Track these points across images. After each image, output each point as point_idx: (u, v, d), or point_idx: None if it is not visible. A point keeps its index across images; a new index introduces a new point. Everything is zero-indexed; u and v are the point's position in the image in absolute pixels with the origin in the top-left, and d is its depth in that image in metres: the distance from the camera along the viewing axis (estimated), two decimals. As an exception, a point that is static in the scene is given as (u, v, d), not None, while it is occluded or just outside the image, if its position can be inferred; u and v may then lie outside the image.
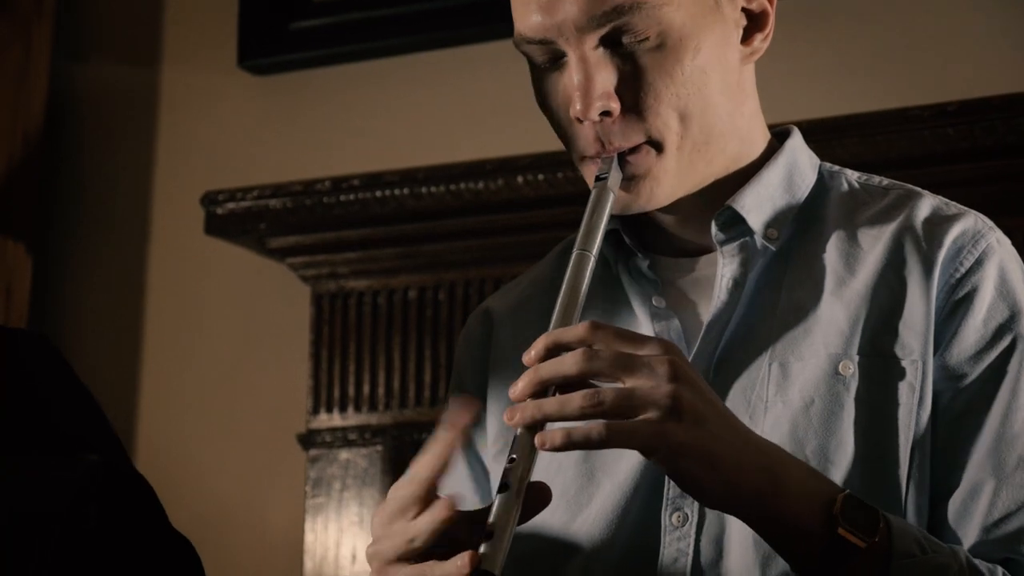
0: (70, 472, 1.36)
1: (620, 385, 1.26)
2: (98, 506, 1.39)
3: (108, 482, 1.39)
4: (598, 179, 1.45)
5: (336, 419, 3.18)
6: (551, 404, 1.26)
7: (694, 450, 1.26)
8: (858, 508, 1.31)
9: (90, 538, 1.39)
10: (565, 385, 1.27)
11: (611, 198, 1.43)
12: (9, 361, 1.57)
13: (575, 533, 1.47)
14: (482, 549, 1.25)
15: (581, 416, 1.25)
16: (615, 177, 1.44)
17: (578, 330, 1.29)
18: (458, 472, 1.54)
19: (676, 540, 1.42)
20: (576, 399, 1.25)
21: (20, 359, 1.59)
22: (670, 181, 1.47)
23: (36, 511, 1.36)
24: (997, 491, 1.40)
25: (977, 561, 1.35)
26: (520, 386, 1.28)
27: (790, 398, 1.42)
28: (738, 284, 1.48)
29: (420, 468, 1.30)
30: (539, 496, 1.29)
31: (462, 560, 1.25)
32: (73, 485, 1.35)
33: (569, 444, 1.25)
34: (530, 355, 1.29)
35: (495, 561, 1.24)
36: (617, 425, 1.25)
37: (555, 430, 1.26)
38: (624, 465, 1.46)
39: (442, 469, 1.30)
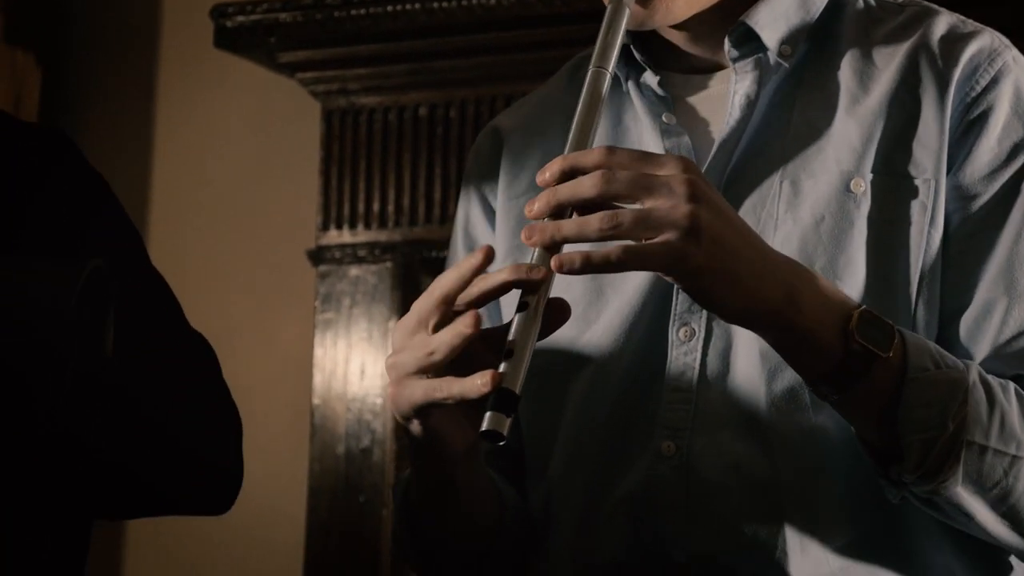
0: (70, 281, 1.35)
1: (638, 206, 1.26)
2: (107, 306, 1.38)
3: (118, 282, 1.39)
4: None
5: (346, 235, 3.19)
6: (570, 225, 1.26)
7: (712, 270, 1.26)
8: (873, 323, 1.31)
9: (104, 332, 1.39)
10: (583, 207, 1.27)
11: (626, 13, 1.41)
12: (26, 156, 1.56)
13: (583, 348, 1.48)
14: (502, 367, 1.25)
15: (600, 237, 1.25)
16: None
17: (594, 154, 1.28)
18: None
19: (683, 355, 1.43)
20: (595, 220, 1.25)
21: (39, 153, 1.57)
22: None
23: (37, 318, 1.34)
24: (1009, 309, 1.40)
25: (990, 377, 1.36)
26: (537, 206, 1.27)
27: (800, 215, 1.42)
28: (751, 101, 1.47)
29: (442, 282, 1.30)
30: (558, 313, 1.30)
31: (483, 379, 1.25)
32: (73, 293, 1.33)
33: (588, 267, 1.25)
34: (545, 176, 1.28)
35: (516, 379, 1.24)
36: (636, 247, 1.25)
37: (574, 252, 1.25)
38: (632, 281, 1.46)
39: (463, 286, 1.29)
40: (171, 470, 1.52)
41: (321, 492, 3.18)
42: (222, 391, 1.58)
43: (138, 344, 1.46)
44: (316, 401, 3.20)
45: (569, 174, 1.28)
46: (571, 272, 1.25)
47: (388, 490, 3.14)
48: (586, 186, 1.26)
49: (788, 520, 1.39)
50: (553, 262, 1.26)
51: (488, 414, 1.24)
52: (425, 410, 1.33)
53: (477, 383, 1.25)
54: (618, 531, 1.43)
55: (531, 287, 1.26)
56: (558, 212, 1.27)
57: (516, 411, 1.24)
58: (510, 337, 1.26)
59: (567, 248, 1.28)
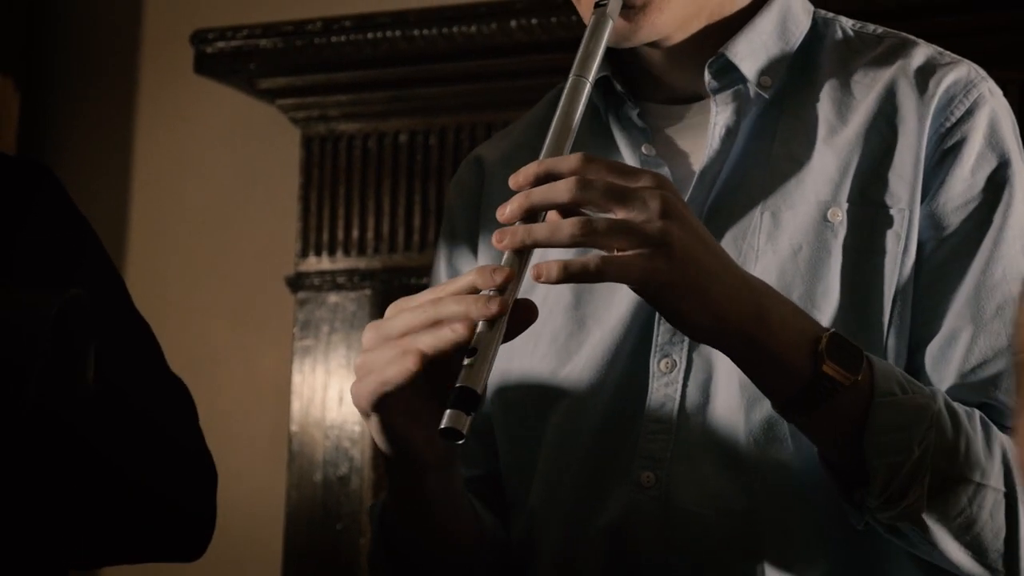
0: (44, 309, 1.33)
1: (611, 216, 1.26)
2: (85, 338, 1.37)
3: (99, 320, 1.38)
4: (597, 5, 1.42)
5: (325, 262, 3.19)
6: (542, 229, 1.25)
7: (684, 286, 1.26)
8: (843, 347, 1.32)
9: (77, 374, 1.38)
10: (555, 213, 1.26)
11: (610, 25, 1.41)
12: (6, 191, 1.55)
13: (564, 379, 1.47)
14: (465, 366, 1.23)
15: (571, 243, 1.24)
16: (615, 3, 1.42)
17: (570, 161, 1.27)
18: None
19: (664, 386, 1.43)
20: (567, 226, 1.24)
21: (18, 186, 1.56)
22: (672, 9, 1.45)
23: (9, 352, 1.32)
24: (975, 338, 1.41)
25: (956, 404, 1.37)
26: (509, 209, 1.26)
27: (779, 246, 1.43)
28: (731, 132, 1.47)
29: (428, 296, 1.29)
30: (524, 314, 1.27)
31: (409, 359, 1.25)
32: (46, 322, 1.32)
33: (565, 276, 1.24)
34: (518, 179, 1.28)
35: (478, 379, 1.22)
36: (612, 258, 1.24)
37: (551, 262, 1.24)
38: (614, 312, 1.46)
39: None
40: (143, 517, 1.51)
41: (298, 519, 3.17)
42: (197, 438, 1.57)
43: (116, 388, 1.45)
44: (294, 428, 3.19)
45: (544, 179, 1.27)
46: (548, 281, 1.24)
47: (366, 518, 3.13)
48: (560, 191, 1.25)
49: (766, 551, 1.39)
50: (532, 271, 1.25)
51: (448, 412, 1.21)
52: (380, 402, 1.29)
53: (407, 364, 1.24)
54: (598, 561, 1.43)
55: (497, 289, 1.25)
56: (530, 216, 1.27)
57: (477, 410, 1.22)
58: (475, 337, 1.24)
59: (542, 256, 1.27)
